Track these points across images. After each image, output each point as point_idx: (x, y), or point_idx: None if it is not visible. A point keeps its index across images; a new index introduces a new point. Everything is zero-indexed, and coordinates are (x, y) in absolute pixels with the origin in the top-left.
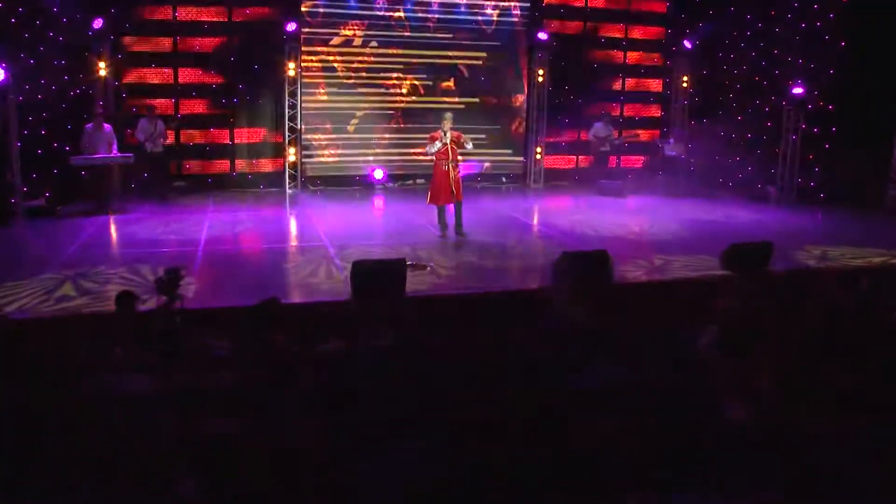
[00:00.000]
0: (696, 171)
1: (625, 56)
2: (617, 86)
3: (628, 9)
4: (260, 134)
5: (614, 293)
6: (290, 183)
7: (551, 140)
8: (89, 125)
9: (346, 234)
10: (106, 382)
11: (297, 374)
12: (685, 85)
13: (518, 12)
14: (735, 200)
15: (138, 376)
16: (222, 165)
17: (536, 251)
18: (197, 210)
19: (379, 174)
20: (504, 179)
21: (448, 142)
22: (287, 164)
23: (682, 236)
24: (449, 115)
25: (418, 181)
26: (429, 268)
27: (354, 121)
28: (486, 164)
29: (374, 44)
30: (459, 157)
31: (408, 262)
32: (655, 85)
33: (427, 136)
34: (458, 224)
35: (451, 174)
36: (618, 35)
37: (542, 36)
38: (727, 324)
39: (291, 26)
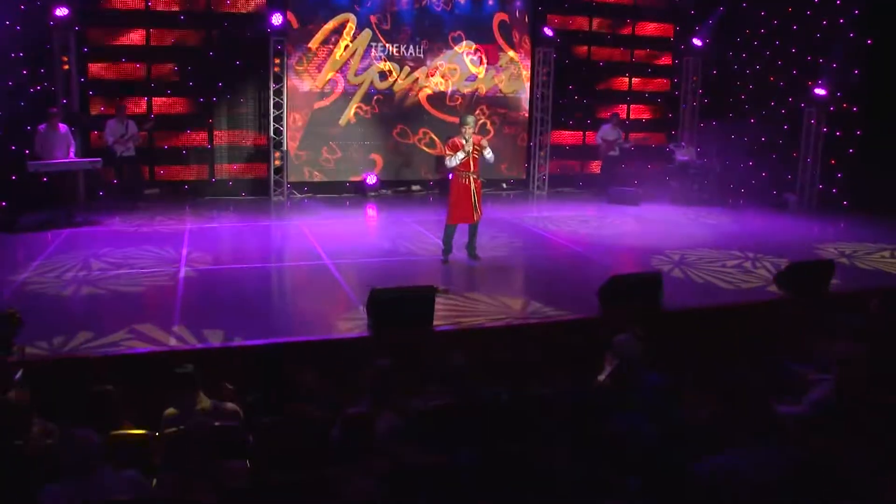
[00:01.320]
0: (710, 177)
1: (631, 54)
2: (623, 85)
3: (636, 3)
4: (242, 136)
5: (679, 323)
6: (275, 190)
7: (555, 143)
8: (42, 126)
9: (347, 250)
10: (80, 487)
11: (333, 461)
12: (694, 85)
13: (520, 4)
14: (753, 208)
15: (122, 475)
16: (200, 171)
17: (569, 270)
18: (173, 221)
19: (372, 179)
20: (504, 185)
21: (471, 150)
22: (272, 170)
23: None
24: (471, 118)
25: (413, 188)
26: (449, 291)
27: (347, 117)
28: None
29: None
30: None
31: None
32: (663, 85)
33: (447, 145)
34: (472, 245)
35: (473, 188)
36: (624, 32)
37: (548, 32)
38: (850, 374)
39: (277, 18)
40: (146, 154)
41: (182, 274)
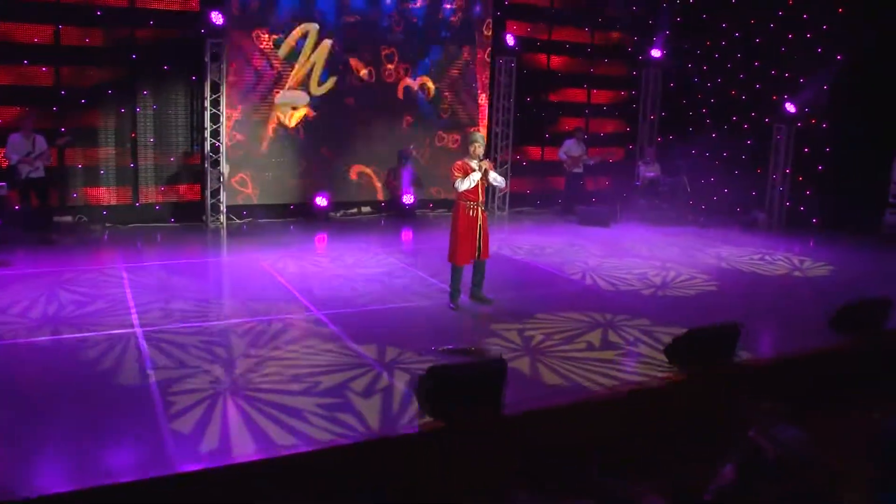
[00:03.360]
0: (680, 194)
1: (590, 65)
2: (581, 98)
3: (596, 12)
4: (171, 154)
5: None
6: (212, 216)
7: (515, 159)
8: None
9: (333, 295)
10: None
11: None
12: (654, 98)
13: (479, 11)
14: (724, 227)
15: None
16: (121, 194)
17: (615, 316)
18: (99, 257)
19: (322, 201)
20: None
21: (486, 169)
22: (209, 192)
23: (738, 282)
24: (479, 135)
25: (363, 209)
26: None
27: (296, 118)
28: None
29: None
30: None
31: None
32: (622, 98)
33: (454, 167)
34: (478, 286)
35: (480, 221)
36: (583, 41)
37: (509, 40)
38: None
39: (217, 17)
40: (57, 174)
41: (139, 335)
